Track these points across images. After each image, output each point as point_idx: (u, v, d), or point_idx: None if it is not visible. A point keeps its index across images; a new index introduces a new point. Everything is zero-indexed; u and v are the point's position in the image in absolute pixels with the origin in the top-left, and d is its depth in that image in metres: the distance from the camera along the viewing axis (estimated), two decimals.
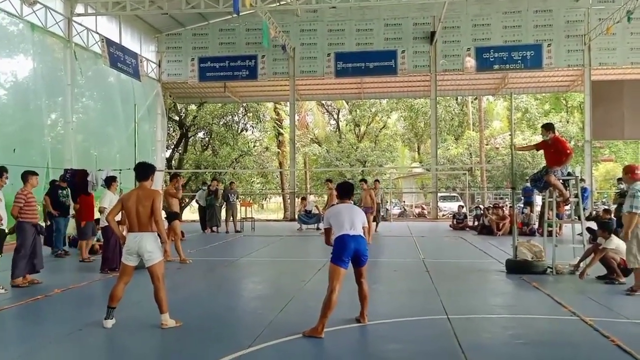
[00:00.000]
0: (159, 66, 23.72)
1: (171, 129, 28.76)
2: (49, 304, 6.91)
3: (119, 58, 19.27)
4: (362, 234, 5.45)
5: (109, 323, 5.54)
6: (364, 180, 15.51)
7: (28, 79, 15.96)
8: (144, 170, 5.84)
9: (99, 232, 11.07)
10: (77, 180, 13.70)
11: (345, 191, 5.88)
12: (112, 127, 19.41)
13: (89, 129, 19.02)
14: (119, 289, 5.63)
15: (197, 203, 19.01)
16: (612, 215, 13.48)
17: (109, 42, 18.77)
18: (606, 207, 18.68)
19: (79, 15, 17.80)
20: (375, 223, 17.08)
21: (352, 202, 5.93)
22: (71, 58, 17.37)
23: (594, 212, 16.59)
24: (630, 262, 7.05)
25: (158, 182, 23.37)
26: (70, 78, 17.27)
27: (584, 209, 11.12)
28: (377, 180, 18.64)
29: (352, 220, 5.44)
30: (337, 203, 5.90)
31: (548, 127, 8.96)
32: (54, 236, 11.55)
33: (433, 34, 21.90)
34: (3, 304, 6.75)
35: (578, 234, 9.78)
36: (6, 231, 7.81)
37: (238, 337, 5.25)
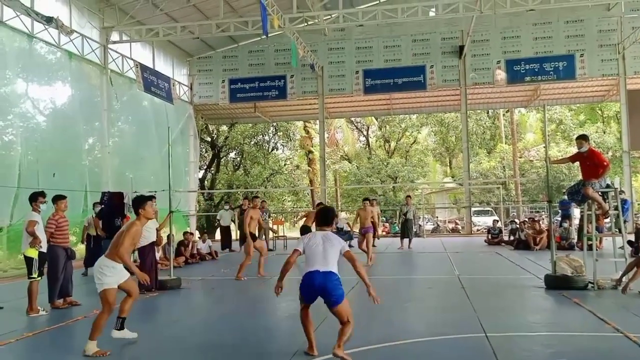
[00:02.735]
0: (191, 89, 24.24)
1: (203, 150, 29.28)
2: (87, 325, 7.03)
3: (153, 82, 19.80)
4: (333, 270, 4.93)
5: (118, 334, 5.71)
6: (367, 200, 14.21)
7: (66, 105, 16.52)
8: (133, 205, 5.98)
9: (135, 252, 11.27)
10: (114, 203, 14.00)
11: (324, 218, 5.37)
12: (146, 150, 19.87)
13: (124, 152, 19.50)
14: (127, 302, 5.79)
15: (218, 222, 19.17)
16: None
17: (142, 68, 19.32)
18: None
19: (114, 42, 18.41)
20: (408, 239, 16.94)
21: (330, 229, 5.39)
22: (107, 84, 17.94)
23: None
24: None
25: (192, 203, 23.72)
26: (106, 103, 17.82)
27: (625, 221, 10.77)
28: (408, 196, 18.48)
29: (326, 253, 4.98)
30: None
31: (583, 139, 8.76)
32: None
33: (462, 48, 21.82)
34: (44, 325, 6.92)
35: (619, 248, 9.48)
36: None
37: (272, 356, 5.24)
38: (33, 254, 7.59)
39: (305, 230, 13.98)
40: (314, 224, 5.35)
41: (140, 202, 5.86)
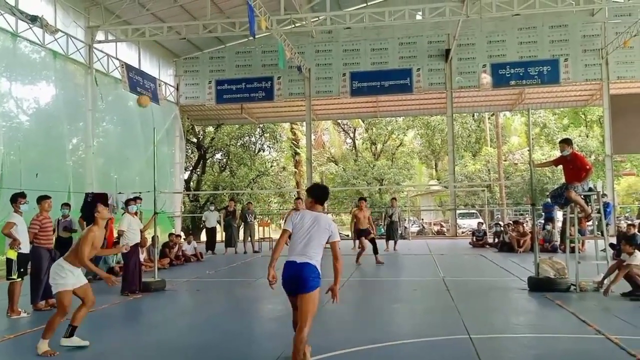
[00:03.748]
0: (177, 89, 24.10)
1: (189, 150, 29.10)
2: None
3: (138, 82, 19.64)
4: (311, 262, 4.62)
5: (67, 341, 5.60)
6: (363, 199, 14.14)
7: (50, 105, 16.32)
8: (86, 212, 6.05)
9: (119, 254, 11.15)
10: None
11: (318, 195, 4.91)
12: (131, 151, 19.70)
13: (109, 152, 19.31)
14: (80, 311, 5.75)
15: (204, 224, 19.03)
16: (637, 230, 13.23)
17: (128, 68, 19.16)
18: (629, 221, 18.34)
19: (99, 42, 18.25)
20: (393, 241, 16.98)
21: (323, 211, 5.02)
22: (92, 84, 17.77)
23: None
24: None
25: (177, 204, 23.57)
26: (91, 103, 17.64)
27: (607, 224, 10.91)
28: (394, 199, 18.54)
29: (308, 240, 4.66)
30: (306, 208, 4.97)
31: (567, 142, 8.87)
32: None
33: (448, 51, 21.95)
34: (25, 327, 6.83)
35: (601, 250, 9.60)
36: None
37: (256, 358, 5.23)
38: (12, 255, 7.52)
39: (360, 233, 13.38)
40: (311, 203, 4.88)
41: (92, 206, 5.91)
